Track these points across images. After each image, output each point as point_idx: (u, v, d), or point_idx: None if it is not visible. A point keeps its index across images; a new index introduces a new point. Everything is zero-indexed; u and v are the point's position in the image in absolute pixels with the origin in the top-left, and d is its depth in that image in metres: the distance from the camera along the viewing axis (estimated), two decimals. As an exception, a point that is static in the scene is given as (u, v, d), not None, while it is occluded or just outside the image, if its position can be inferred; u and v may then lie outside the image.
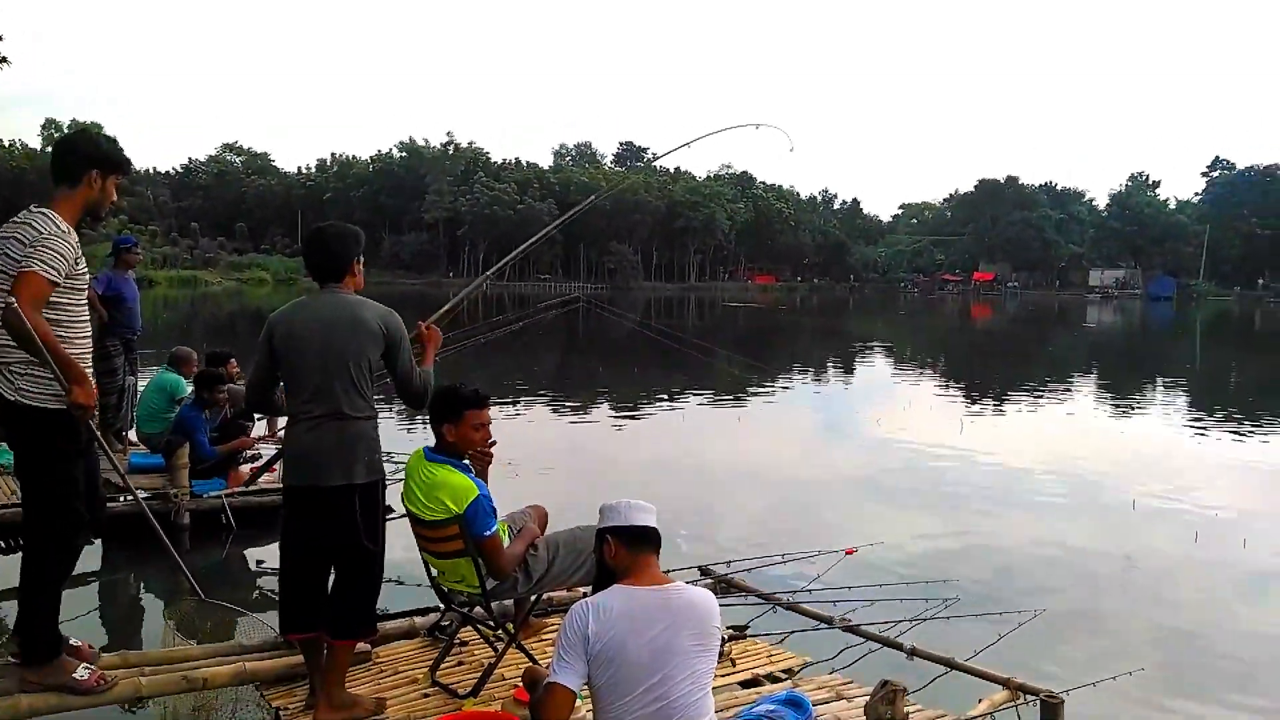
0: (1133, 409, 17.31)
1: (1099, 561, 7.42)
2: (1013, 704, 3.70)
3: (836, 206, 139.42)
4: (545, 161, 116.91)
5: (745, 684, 4.02)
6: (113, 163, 3.51)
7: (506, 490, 3.82)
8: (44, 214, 3.31)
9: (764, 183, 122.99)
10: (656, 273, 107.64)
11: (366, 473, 3.51)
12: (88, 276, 3.50)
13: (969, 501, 9.32)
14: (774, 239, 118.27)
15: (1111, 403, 18.16)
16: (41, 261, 3.20)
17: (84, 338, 3.48)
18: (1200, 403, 18.18)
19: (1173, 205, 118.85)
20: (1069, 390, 19.74)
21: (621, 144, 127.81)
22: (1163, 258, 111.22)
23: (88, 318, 3.51)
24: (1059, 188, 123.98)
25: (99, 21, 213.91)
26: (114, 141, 3.53)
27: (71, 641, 3.77)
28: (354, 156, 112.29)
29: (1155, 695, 4.92)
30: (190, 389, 7.60)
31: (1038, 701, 3.65)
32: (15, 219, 3.34)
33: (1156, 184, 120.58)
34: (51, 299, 3.27)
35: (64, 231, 3.31)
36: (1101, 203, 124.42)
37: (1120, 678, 4.00)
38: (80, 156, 3.44)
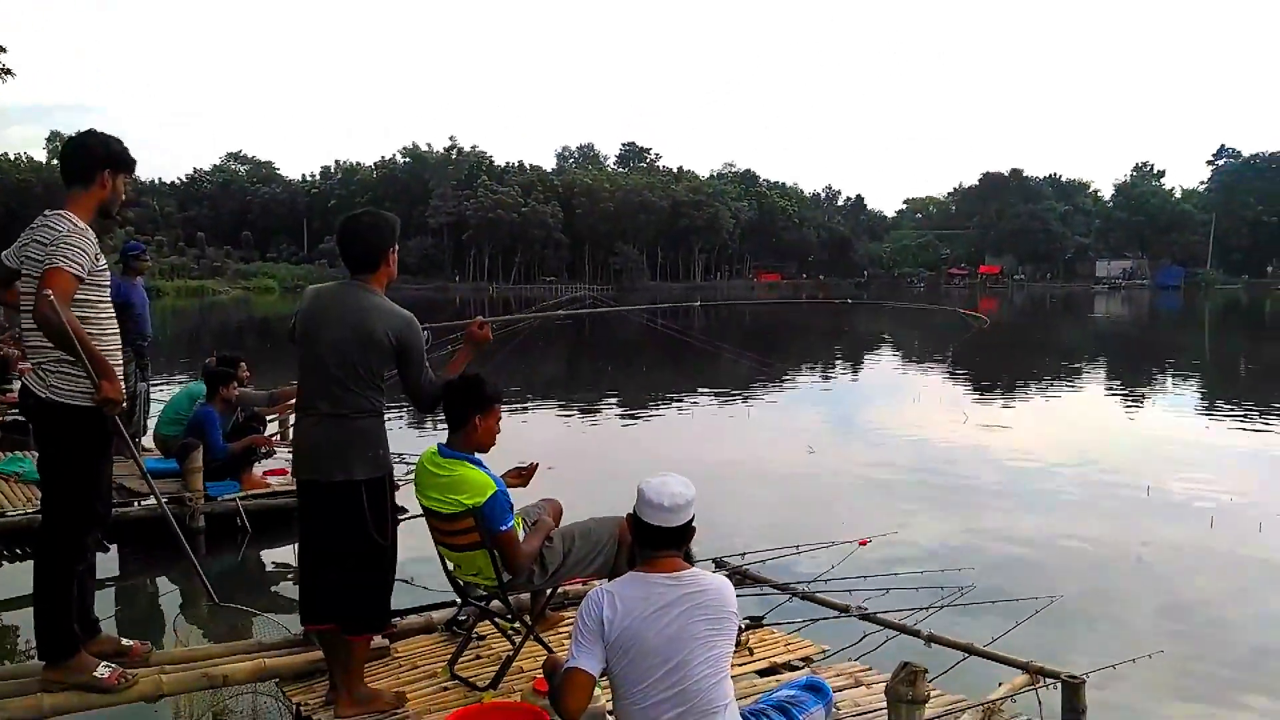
0: (1144, 398, 17.25)
1: (1114, 549, 7.40)
2: (1033, 687, 3.69)
3: (840, 203, 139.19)
4: (549, 164, 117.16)
5: (763, 672, 4.03)
6: (122, 161, 3.54)
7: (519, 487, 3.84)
8: (60, 215, 3.35)
9: (767, 180, 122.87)
10: (662, 273, 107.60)
11: (370, 469, 3.48)
12: (109, 274, 3.53)
13: (981, 493, 9.30)
14: (779, 236, 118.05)
15: (1122, 392, 18.10)
16: (64, 257, 3.24)
17: (111, 334, 3.51)
18: (1212, 391, 18.10)
19: (1178, 194, 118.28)
20: (1079, 381, 19.67)
21: (624, 145, 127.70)
22: (1170, 247, 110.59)
23: (113, 315, 3.54)
24: (1063, 179, 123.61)
25: (99, 34, 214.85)
26: (120, 141, 3.54)
27: (124, 642, 3.79)
28: (358, 163, 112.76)
29: (1175, 678, 4.91)
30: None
31: (1058, 684, 3.64)
32: (32, 225, 3.38)
33: (1161, 174, 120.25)
34: (77, 296, 3.30)
35: (81, 229, 3.34)
36: (1107, 193, 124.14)
37: (1140, 660, 3.98)
38: (91, 156, 3.47)
